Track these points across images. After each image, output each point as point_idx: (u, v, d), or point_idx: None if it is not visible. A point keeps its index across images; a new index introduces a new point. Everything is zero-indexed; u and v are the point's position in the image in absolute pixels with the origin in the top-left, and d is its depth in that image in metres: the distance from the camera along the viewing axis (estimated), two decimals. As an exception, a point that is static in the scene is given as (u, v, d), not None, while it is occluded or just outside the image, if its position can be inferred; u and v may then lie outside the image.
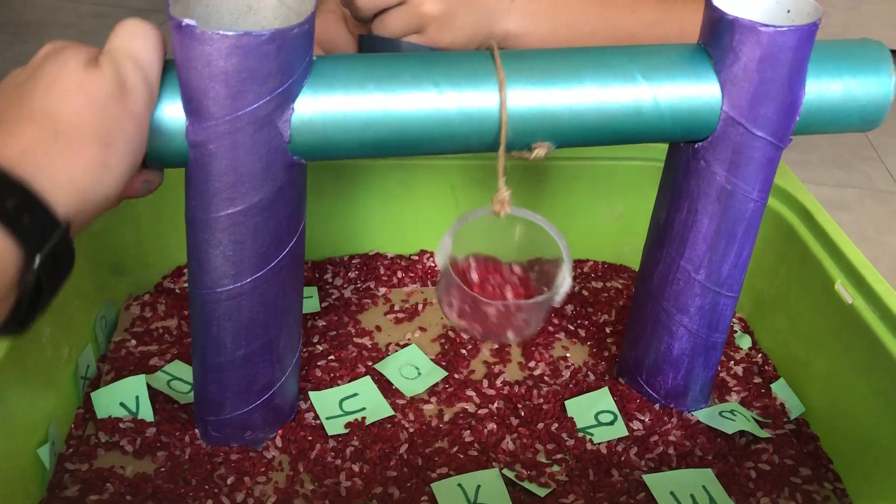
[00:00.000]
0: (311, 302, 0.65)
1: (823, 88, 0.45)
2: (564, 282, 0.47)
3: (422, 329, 0.64)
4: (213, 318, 0.45)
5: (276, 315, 0.47)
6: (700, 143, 0.47)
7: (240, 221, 0.41)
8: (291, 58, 0.38)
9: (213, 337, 0.46)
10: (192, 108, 0.38)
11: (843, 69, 0.46)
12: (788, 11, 0.46)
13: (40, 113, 0.34)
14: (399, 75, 0.41)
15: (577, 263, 0.72)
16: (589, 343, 0.63)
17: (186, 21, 0.36)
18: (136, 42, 0.37)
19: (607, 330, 0.64)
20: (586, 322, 0.65)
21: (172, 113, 0.39)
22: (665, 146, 0.51)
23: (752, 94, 0.44)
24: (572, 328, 0.65)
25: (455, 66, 0.42)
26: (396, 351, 0.61)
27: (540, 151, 0.44)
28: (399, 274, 0.69)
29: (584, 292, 0.68)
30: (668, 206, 0.51)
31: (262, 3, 0.40)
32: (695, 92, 0.44)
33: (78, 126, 0.34)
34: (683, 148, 0.48)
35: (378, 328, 0.63)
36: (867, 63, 0.46)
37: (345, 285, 0.68)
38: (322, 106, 0.40)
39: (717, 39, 0.44)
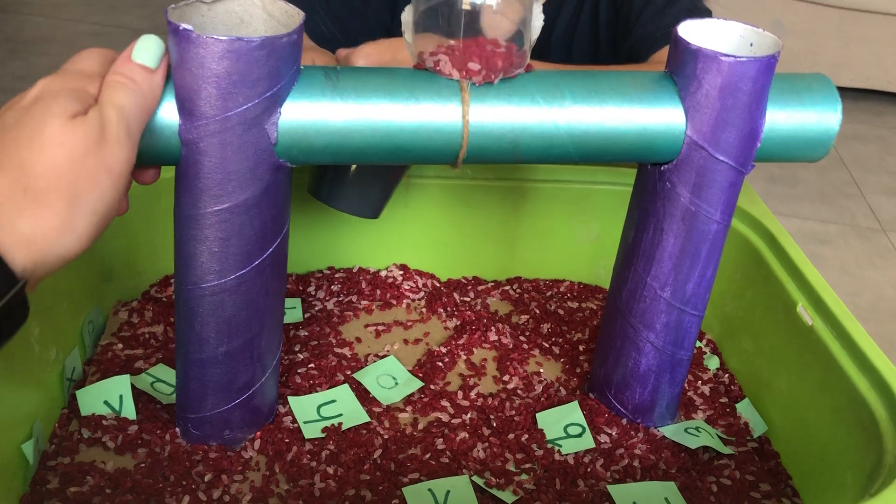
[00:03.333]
0: (294, 313, 0.67)
1: (781, 118, 0.48)
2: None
3: (401, 341, 0.66)
4: (197, 315, 0.47)
5: (259, 314, 0.49)
6: (666, 166, 0.49)
7: (226, 219, 0.44)
8: (280, 64, 0.41)
9: (196, 333, 0.48)
10: (185, 107, 0.41)
11: (799, 101, 0.48)
12: (751, 45, 0.49)
13: (17, 164, 0.35)
14: (381, 87, 0.44)
15: (554, 283, 0.74)
16: (562, 360, 0.65)
17: (183, 25, 0.39)
18: (127, 92, 0.38)
19: (580, 348, 0.67)
20: (560, 340, 0.67)
21: (167, 113, 0.42)
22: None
23: (714, 121, 0.47)
24: (547, 345, 0.67)
25: (431, 81, 0.45)
26: (375, 360, 0.63)
27: None
28: (381, 288, 0.71)
29: (560, 311, 0.70)
30: (635, 226, 0.53)
31: (253, 16, 0.43)
32: (660, 116, 0.47)
33: (50, 180, 0.35)
34: (651, 170, 0.51)
35: (358, 339, 0.65)
36: (819, 96, 0.49)
37: (328, 298, 0.70)
38: (307, 111, 0.43)
39: (681, 67, 0.47)
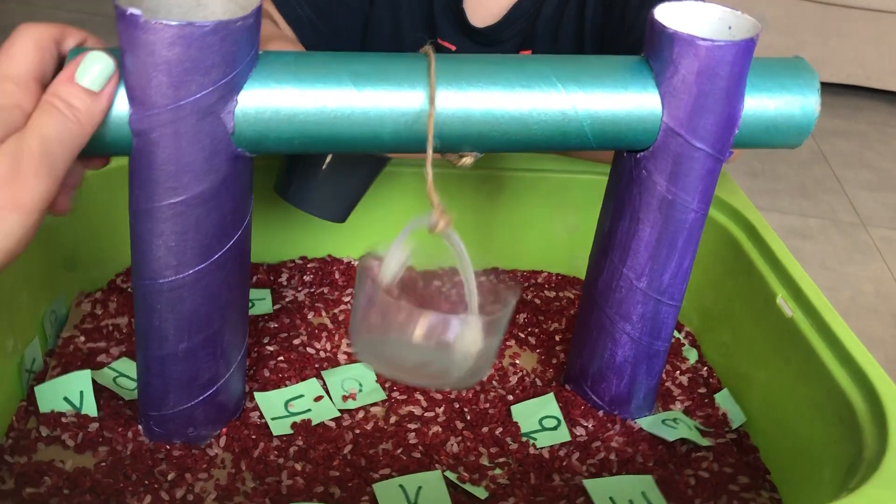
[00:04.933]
0: (263, 304, 0.65)
1: (760, 103, 0.47)
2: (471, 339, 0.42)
3: (373, 334, 0.64)
4: (156, 310, 0.46)
5: (220, 309, 0.47)
6: (642, 153, 0.48)
7: (182, 212, 0.42)
8: (235, 49, 0.39)
9: (155, 329, 0.47)
10: (136, 96, 0.39)
11: (778, 86, 0.47)
12: (730, 28, 0.47)
13: None
14: (342, 73, 0.42)
15: (531, 274, 0.73)
16: (538, 350, 0.64)
17: (131, 10, 0.37)
18: (59, 121, 0.36)
19: (557, 338, 0.65)
20: (537, 330, 0.66)
21: (118, 102, 0.39)
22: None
23: (691, 107, 0.45)
24: (522, 336, 0.65)
25: (395, 66, 0.43)
26: (346, 357, 0.61)
27: (467, 160, 0.45)
28: (354, 279, 0.69)
29: (537, 301, 0.69)
30: (611, 215, 0.52)
31: (211, -3, 0.41)
32: (636, 102, 0.46)
33: None
34: (626, 157, 0.49)
35: (329, 332, 0.64)
36: (799, 81, 0.47)
37: (299, 288, 0.68)
38: (266, 99, 0.41)
39: (657, 52, 0.45)
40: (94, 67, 0.37)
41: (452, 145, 0.45)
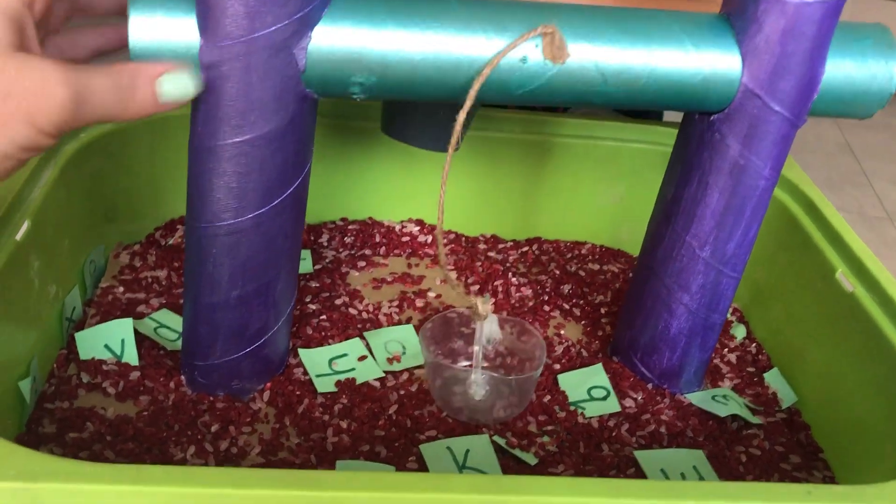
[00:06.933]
0: (304, 264, 0.64)
1: (841, 68, 0.45)
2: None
3: (415, 296, 0.63)
4: (211, 255, 0.44)
5: (276, 257, 0.46)
6: (716, 115, 0.46)
7: (247, 152, 0.40)
8: None
9: (208, 275, 0.45)
10: (209, 25, 0.37)
11: (859, 51, 0.45)
12: (811, -12, 0.45)
13: None
14: (422, 15, 0.40)
15: (575, 245, 0.71)
16: (583, 322, 0.63)
17: None
18: (109, 89, 0.35)
19: (602, 311, 0.64)
20: (581, 302, 0.65)
21: (188, 31, 0.38)
22: (672, 131, 0.50)
23: (772, 67, 0.44)
24: (567, 307, 0.64)
25: (477, 11, 0.41)
26: (387, 318, 0.60)
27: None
28: (395, 242, 0.68)
29: (581, 273, 0.68)
30: (677, 180, 0.50)
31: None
32: (715, 62, 0.44)
33: None
34: (699, 119, 0.48)
35: (371, 293, 0.62)
36: (879, 48, 0.46)
37: (340, 250, 0.67)
38: (339, 37, 0.39)
39: (741, 9, 0.44)
40: (181, 86, 0.37)
41: (536, 96, 0.43)
